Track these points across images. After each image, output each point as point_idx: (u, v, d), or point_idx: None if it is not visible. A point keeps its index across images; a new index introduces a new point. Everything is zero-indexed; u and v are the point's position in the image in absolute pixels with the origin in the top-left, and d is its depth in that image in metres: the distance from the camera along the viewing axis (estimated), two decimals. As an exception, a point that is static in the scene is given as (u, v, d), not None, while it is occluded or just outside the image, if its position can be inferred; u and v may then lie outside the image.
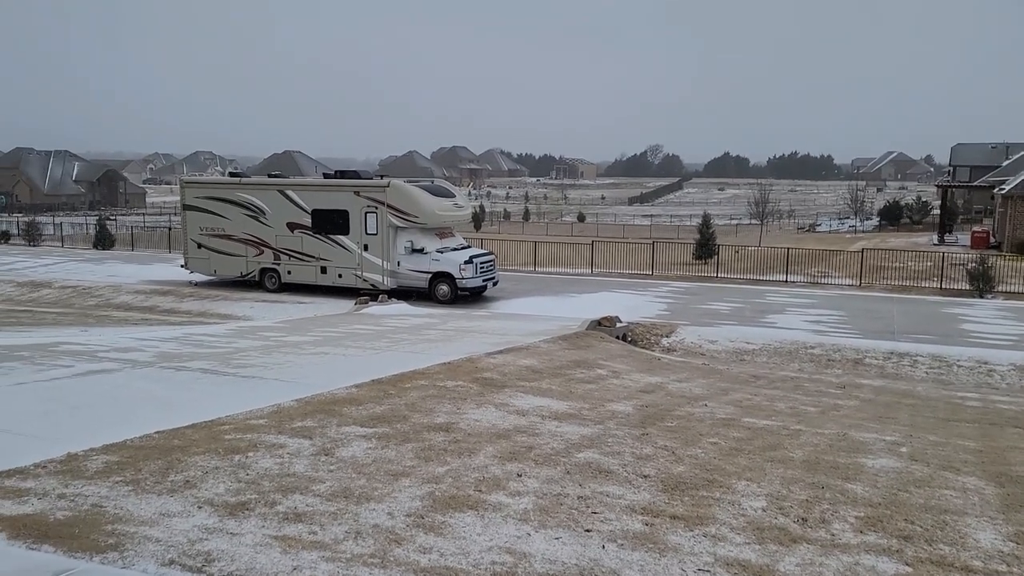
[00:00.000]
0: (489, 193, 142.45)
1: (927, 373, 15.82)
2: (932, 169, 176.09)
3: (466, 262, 22.54)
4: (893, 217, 66.79)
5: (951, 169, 65.32)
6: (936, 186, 73.32)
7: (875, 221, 70.71)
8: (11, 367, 11.61)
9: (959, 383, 15.22)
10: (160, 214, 75.02)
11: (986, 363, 15.99)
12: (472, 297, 23.01)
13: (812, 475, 7.49)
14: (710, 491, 6.85)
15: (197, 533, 5.54)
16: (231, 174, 30.87)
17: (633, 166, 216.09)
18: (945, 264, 27.88)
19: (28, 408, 9.13)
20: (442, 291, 22.64)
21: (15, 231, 46.69)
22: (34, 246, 42.09)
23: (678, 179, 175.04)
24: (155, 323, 20.69)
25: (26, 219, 50.11)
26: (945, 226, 50.84)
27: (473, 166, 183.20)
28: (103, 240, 41.24)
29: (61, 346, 14.04)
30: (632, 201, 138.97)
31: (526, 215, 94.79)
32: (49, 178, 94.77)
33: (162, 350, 13.69)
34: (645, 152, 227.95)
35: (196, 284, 26.08)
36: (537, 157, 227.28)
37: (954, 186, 59.98)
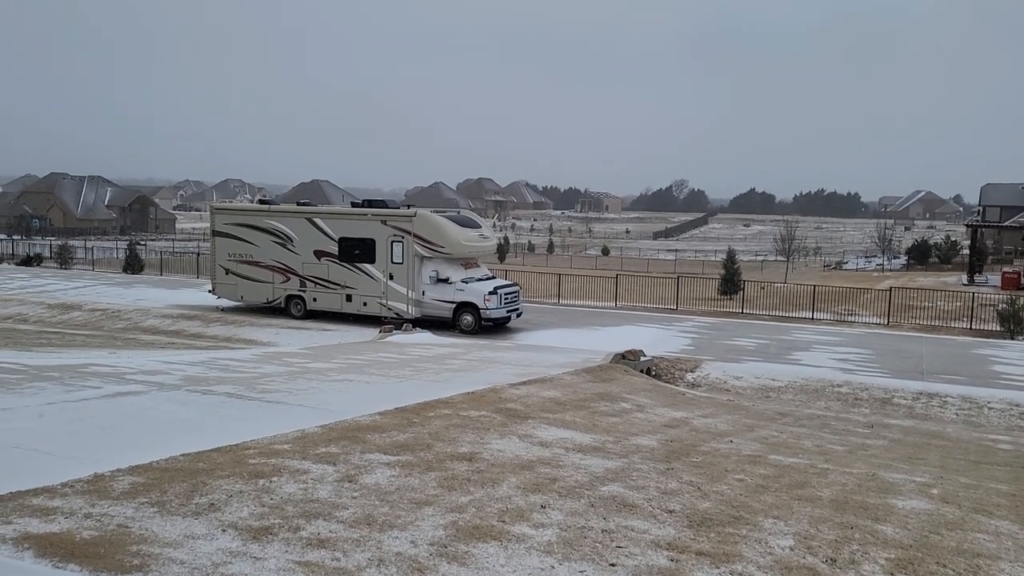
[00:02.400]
0: (514, 225, 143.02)
1: (957, 414, 15.54)
2: (961, 209, 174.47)
3: (491, 293, 22.58)
4: (921, 256, 66.09)
5: (980, 209, 64.67)
6: (965, 226, 72.62)
7: (903, 260, 70.02)
8: (41, 387, 11.76)
9: (990, 425, 14.93)
10: (189, 240, 76.05)
11: (1018, 405, 15.68)
12: (496, 328, 23.02)
13: (840, 515, 7.36)
14: (736, 528, 6.75)
15: (221, 556, 5.54)
16: (260, 201, 31.26)
17: (658, 200, 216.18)
18: (975, 304, 27.49)
19: (57, 428, 9.23)
20: (466, 321, 22.67)
21: (47, 254, 47.53)
22: (65, 269, 42.79)
23: (703, 214, 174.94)
24: (182, 347, 20.89)
25: (58, 242, 51.02)
26: (975, 266, 50.22)
27: (499, 198, 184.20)
28: (133, 264, 41.85)
29: (90, 367, 14.20)
30: (657, 235, 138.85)
31: (550, 247, 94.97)
32: (82, 203, 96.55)
33: (188, 374, 13.81)
34: (670, 187, 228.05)
35: (223, 309, 26.32)
36: (562, 190, 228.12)
37: (984, 226, 59.33)
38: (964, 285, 43.55)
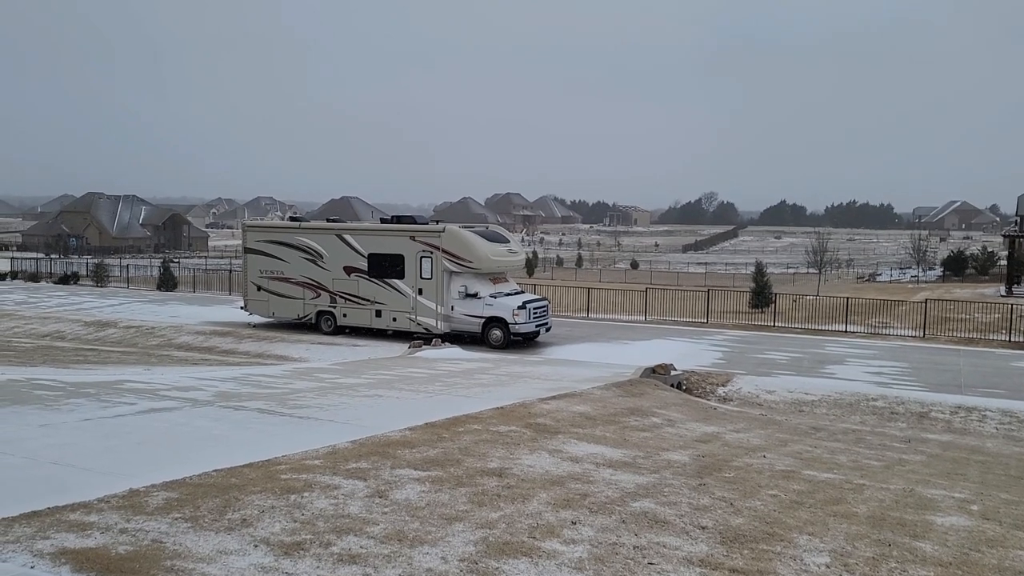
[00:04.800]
0: (542, 239, 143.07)
1: (997, 429, 15.21)
2: (998, 219, 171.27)
3: (519, 307, 22.58)
4: (957, 267, 64.92)
5: (1018, 219, 63.36)
6: (1003, 236, 71.21)
7: (938, 271, 68.87)
8: (78, 403, 11.95)
9: (1032, 440, 14.58)
10: (221, 257, 77.02)
11: (1060, 419, 15.30)
12: (525, 342, 22.99)
13: (878, 531, 7.22)
14: (770, 544, 6.65)
15: (253, 572, 5.57)
16: (291, 218, 31.60)
17: (687, 214, 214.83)
18: (1014, 316, 26.93)
19: (93, 444, 9.37)
20: (495, 336, 22.67)
21: (84, 272, 48.39)
22: (101, 287, 43.53)
23: (733, 227, 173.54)
24: (214, 363, 21.12)
25: (95, 261, 51.91)
26: (1013, 277, 49.20)
27: (527, 212, 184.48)
28: (166, 282, 42.44)
29: (125, 384, 14.41)
30: (686, 248, 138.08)
31: (579, 261, 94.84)
32: (117, 222, 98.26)
33: (221, 390, 13.95)
34: (700, 200, 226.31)
35: (254, 326, 26.59)
36: (591, 204, 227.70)
37: (1022, 236, 58.15)
38: (1002, 296, 42.72)
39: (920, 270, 70.93)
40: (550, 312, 24.44)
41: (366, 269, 24.30)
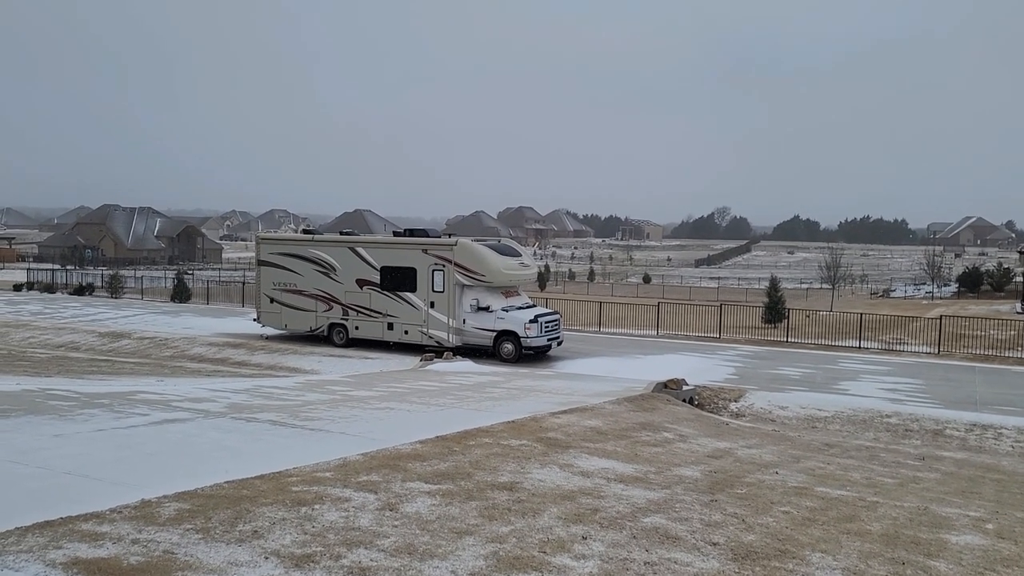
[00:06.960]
0: (554, 253, 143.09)
1: (1013, 447, 15.06)
2: (1013, 235, 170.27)
3: (531, 321, 22.57)
4: (973, 284, 64.44)
5: (1033, 235, 62.88)
6: (1019, 252, 70.69)
7: (953, 287, 68.40)
8: (92, 414, 12.01)
9: (1048, 458, 14.42)
10: (235, 269, 77.37)
11: (1078, 438, 15.13)
12: (536, 356, 22.97)
13: (892, 550, 7.15)
14: (783, 562, 6.60)
15: (263, 583, 5.57)
16: (304, 231, 31.74)
17: (700, 228, 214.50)
18: (1030, 333, 26.71)
19: (106, 454, 9.41)
20: (506, 349, 22.66)
21: (99, 283, 48.75)
22: (116, 298, 43.84)
23: (746, 241, 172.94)
24: (227, 375, 21.20)
25: (110, 272, 52.29)
26: (1029, 294, 48.79)
27: (539, 226, 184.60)
28: (180, 293, 42.70)
29: (138, 395, 14.48)
30: (699, 263, 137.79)
31: (591, 275, 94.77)
32: (132, 233, 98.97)
33: (233, 401, 14.00)
34: (712, 214, 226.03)
35: (267, 338, 26.69)
36: (603, 218, 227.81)
37: (1037, 252, 57.66)
38: (1018, 313, 42.36)
39: (935, 286, 70.44)
40: (562, 326, 24.42)
41: (378, 282, 24.38)
